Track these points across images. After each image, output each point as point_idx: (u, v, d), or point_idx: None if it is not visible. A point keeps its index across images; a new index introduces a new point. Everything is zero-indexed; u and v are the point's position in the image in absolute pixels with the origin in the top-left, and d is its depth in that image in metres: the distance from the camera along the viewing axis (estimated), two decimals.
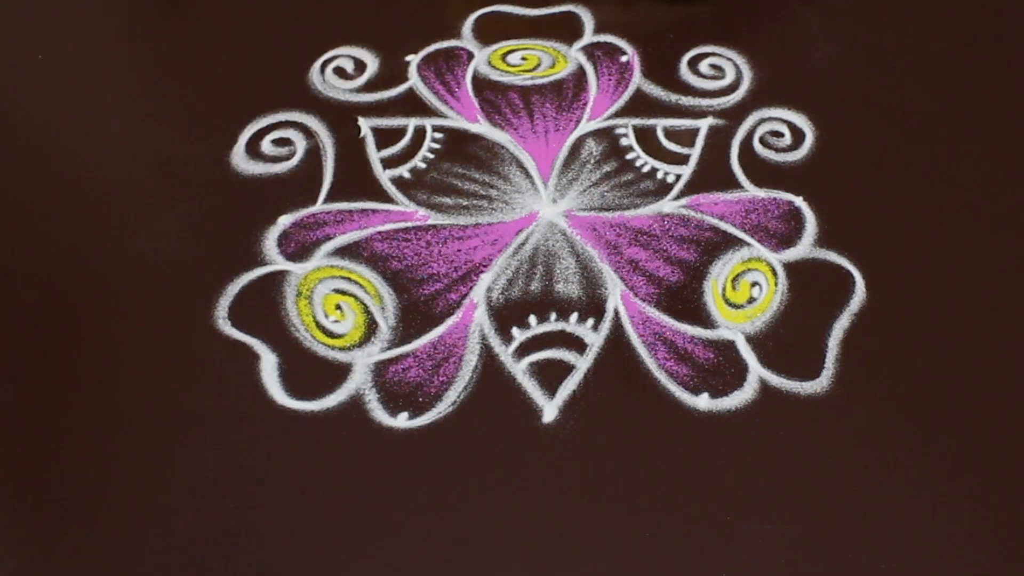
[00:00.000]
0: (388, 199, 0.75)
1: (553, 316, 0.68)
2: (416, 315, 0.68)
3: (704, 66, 0.82)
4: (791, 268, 0.70)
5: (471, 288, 0.70)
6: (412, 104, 0.80)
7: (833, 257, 0.70)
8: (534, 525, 0.59)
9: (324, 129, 0.79)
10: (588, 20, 0.86)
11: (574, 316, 0.68)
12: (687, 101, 0.80)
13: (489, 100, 0.81)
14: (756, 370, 0.65)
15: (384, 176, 0.76)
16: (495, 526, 0.60)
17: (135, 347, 0.68)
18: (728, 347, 0.66)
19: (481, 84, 0.82)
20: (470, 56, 0.84)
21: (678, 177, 0.75)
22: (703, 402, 0.64)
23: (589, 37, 0.85)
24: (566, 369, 0.66)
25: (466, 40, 0.85)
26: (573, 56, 0.83)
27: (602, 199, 0.74)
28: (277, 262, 0.72)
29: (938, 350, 0.66)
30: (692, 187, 0.75)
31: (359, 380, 0.66)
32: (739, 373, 0.65)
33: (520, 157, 0.77)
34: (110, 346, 0.68)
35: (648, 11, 0.86)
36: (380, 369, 0.66)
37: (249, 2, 0.90)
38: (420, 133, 0.78)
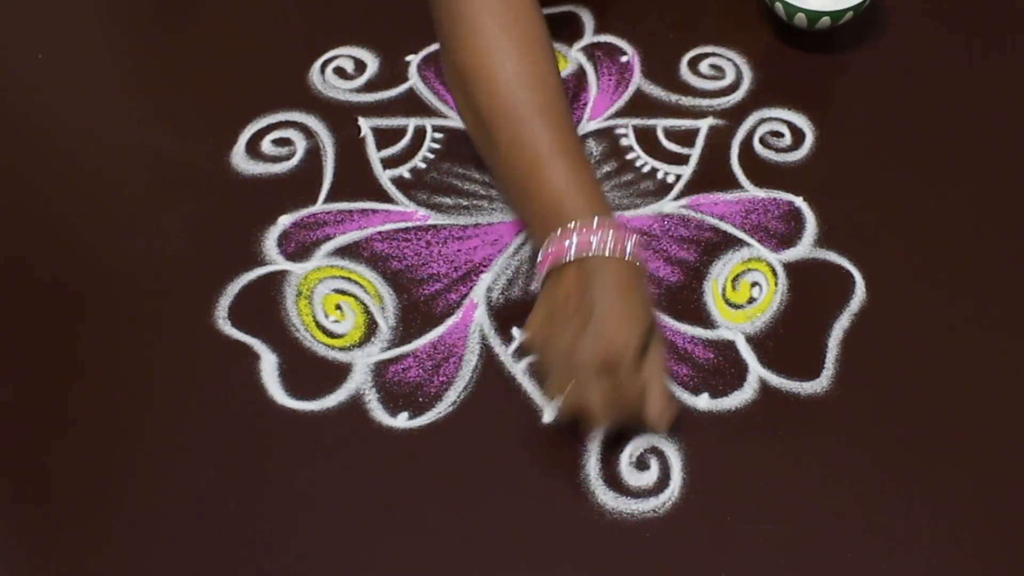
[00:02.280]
0: (388, 199, 0.75)
1: None
2: (416, 315, 0.68)
3: (704, 66, 0.82)
4: (791, 268, 0.70)
5: (471, 288, 0.70)
6: (412, 104, 0.80)
7: (833, 257, 0.70)
8: (534, 525, 0.59)
9: (324, 129, 0.79)
10: (588, 20, 0.86)
11: None
12: (687, 101, 0.80)
13: None
14: (756, 370, 0.65)
15: (384, 176, 0.76)
16: (495, 526, 0.60)
17: (135, 347, 0.68)
18: (728, 347, 0.66)
19: None
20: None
21: (678, 177, 0.75)
22: (703, 402, 0.64)
23: (589, 37, 0.85)
24: None
25: None
26: (573, 56, 0.83)
27: None
28: (277, 262, 0.72)
29: (938, 350, 0.66)
30: (692, 187, 0.75)
31: (359, 380, 0.66)
32: (739, 373, 0.65)
33: None
34: (110, 346, 0.68)
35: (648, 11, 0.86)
36: (380, 369, 0.66)
37: (249, 2, 0.90)
38: (420, 133, 0.78)
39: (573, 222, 0.59)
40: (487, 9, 0.65)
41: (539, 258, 0.61)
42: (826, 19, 0.78)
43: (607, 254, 0.58)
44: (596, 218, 0.59)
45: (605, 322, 0.57)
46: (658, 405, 0.59)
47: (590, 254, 0.58)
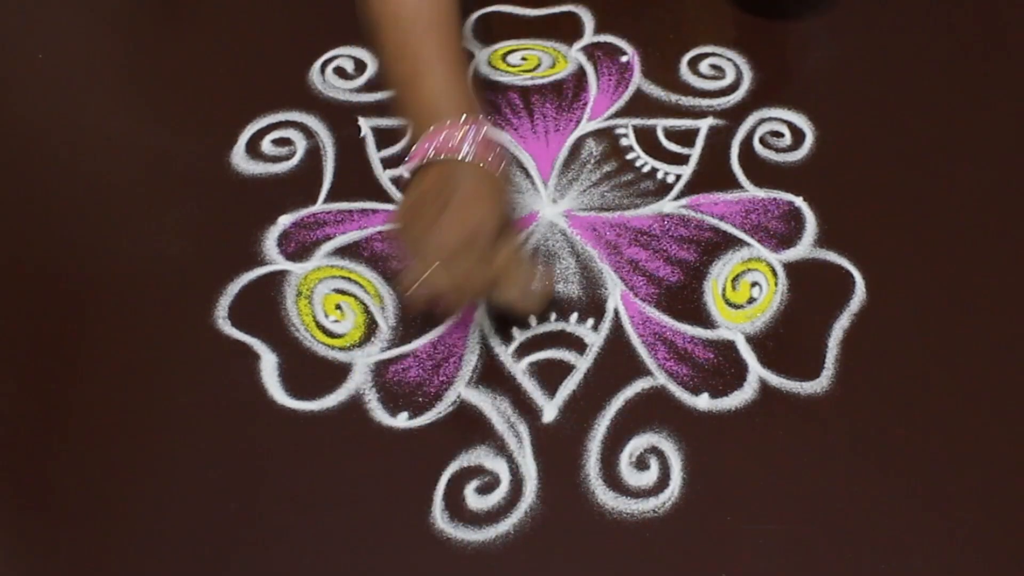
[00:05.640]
0: (388, 199, 0.75)
1: (553, 316, 0.68)
2: (416, 315, 0.68)
3: (704, 66, 0.82)
4: (791, 268, 0.70)
5: None
6: None
7: (833, 257, 0.70)
8: (534, 524, 0.59)
9: (324, 129, 0.79)
10: (588, 20, 0.86)
11: (574, 316, 0.68)
12: (687, 101, 0.80)
13: (489, 100, 0.81)
14: (756, 370, 0.65)
15: (384, 176, 0.76)
16: (495, 525, 0.60)
17: (135, 347, 0.68)
18: (728, 347, 0.66)
19: (481, 84, 0.82)
20: (470, 56, 0.84)
21: (678, 177, 0.75)
22: (703, 402, 0.64)
23: (589, 37, 0.85)
24: (566, 369, 0.66)
25: (466, 40, 0.85)
26: (573, 56, 0.83)
27: (602, 199, 0.74)
28: (277, 262, 0.72)
29: (938, 350, 0.66)
30: (692, 187, 0.75)
31: (359, 380, 0.66)
32: (739, 373, 0.65)
33: (520, 157, 0.77)
34: (110, 346, 0.68)
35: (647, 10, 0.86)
36: (380, 369, 0.66)
37: (249, 2, 0.90)
38: None
39: (443, 121, 0.64)
40: None
41: (410, 154, 0.66)
42: None
43: (469, 158, 0.63)
44: (464, 116, 0.64)
45: (461, 204, 0.62)
46: (520, 286, 0.63)
47: (455, 157, 0.63)
